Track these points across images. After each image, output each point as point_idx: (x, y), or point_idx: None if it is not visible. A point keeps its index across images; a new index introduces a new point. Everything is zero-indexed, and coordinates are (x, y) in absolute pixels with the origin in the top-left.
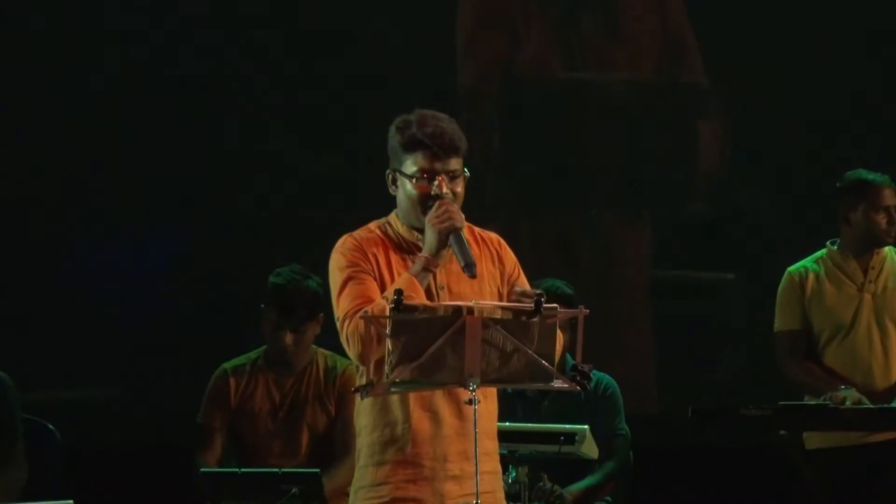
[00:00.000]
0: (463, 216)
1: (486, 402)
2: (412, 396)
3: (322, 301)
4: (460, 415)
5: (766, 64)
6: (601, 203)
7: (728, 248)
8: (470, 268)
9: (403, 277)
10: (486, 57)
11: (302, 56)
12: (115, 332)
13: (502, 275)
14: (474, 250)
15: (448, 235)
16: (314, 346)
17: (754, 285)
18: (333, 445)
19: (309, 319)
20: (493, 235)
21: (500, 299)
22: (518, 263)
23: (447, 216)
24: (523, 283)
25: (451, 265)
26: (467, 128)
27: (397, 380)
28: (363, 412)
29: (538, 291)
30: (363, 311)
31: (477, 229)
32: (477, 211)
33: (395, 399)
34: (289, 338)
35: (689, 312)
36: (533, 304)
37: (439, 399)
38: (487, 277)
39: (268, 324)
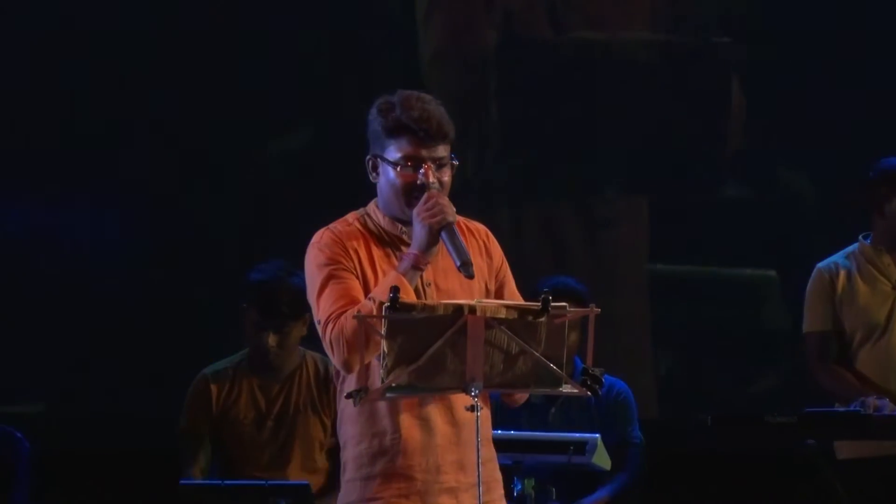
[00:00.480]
0: (454, 209)
1: (482, 407)
2: (402, 403)
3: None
4: (454, 422)
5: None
6: (605, 187)
7: (764, 239)
8: (466, 267)
9: (391, 276)
10: (453, 18)
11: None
12: (88, 335)
13: (490, 268)
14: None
15: (440, 231)
16: (302, 349)
17: (791, 284)
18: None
19: (293, 318)
20: (480, 226)
21: (488, 295)
22: (504, 257)
23: (438, 209)
24: (510, 279)
25: (437, 260)
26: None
27: (393, 384)
28: (348, 421)
29: (545, 291)
30: (355, 311)
31: (461, 219)
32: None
33: (382, 407)
34: (272, 339)
35: (713, 315)
36: (540, 303)
37: (431, 405)
38: (476, 271)
39: (249, 324)
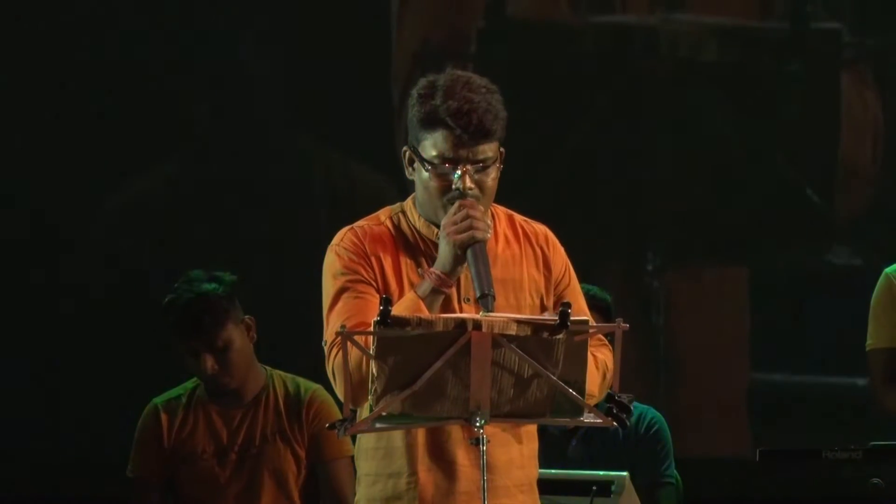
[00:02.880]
0: (488, 223)
1: (521, 444)
2: (421, 439)
3: (232, 304)
4: (484, 464)
5: None
6: (650, 253)
7: None
8: (485, 300)
9: (408, 299)
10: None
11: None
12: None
13: (548, 281)
14: (513, 250)
15: (465, 250)
16: (268, 368)
17: None
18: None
19: (220, 326)
20: (540, 229)
21: (543, 313)
22: (569, 265)
23: (467, 224)
24: (571, 292)
25: None
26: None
27: (384, 413)
28: (363, 456)
29: (563, 301)
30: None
31: (519, 219)
32: None
33: (399, 441)
34: (209, 361)
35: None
36: (557, 317)
37: (456, 443)
38: (528, 285)
39: (186, 356)
